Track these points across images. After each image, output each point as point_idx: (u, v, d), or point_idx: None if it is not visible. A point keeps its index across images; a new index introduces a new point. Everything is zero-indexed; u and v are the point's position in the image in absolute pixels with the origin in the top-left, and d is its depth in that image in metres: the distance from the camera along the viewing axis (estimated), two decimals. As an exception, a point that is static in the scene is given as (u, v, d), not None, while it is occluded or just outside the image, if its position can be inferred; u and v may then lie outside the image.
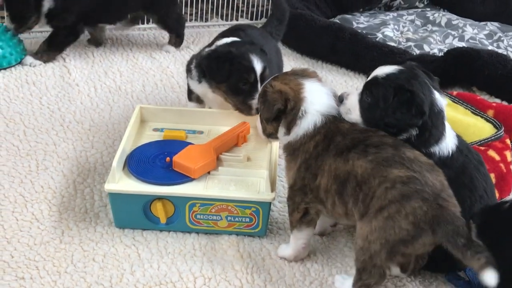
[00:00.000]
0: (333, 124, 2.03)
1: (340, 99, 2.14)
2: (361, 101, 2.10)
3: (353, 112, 2.11)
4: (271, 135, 2.16)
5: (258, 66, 2.40)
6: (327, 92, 2.11)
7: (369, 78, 2.12)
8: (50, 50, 3.27)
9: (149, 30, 3.72)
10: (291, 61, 3.51)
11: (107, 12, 3.32)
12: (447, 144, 2.08)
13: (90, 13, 3.25)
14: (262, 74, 2.40)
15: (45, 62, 3.26)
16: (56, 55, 3.29)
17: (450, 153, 2.07)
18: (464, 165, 2.08)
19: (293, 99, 2.06)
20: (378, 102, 2.05)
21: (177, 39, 3.52)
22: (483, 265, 1.70)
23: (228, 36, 2.60)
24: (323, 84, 2.14)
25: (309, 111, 2.05)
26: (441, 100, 2.08)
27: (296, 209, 2.10)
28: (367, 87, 2.09)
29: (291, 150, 2.08)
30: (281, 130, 2.10)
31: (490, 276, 1.68)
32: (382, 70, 2.09)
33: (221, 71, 2.40)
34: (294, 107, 2.05)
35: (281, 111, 2.07)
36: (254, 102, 2.39)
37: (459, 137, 2.15)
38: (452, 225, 1.78)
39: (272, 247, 2.23)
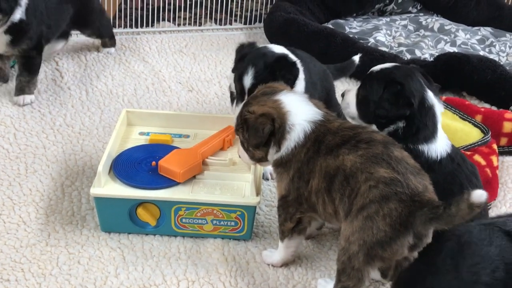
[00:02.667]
0: (322, 127, 2.03)
1: (341, 95, 2.30)
2: (357, 95, 2.23)
3: (350, 106, 2.26)
4: (261, 159, 2.11)
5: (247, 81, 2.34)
6: (304, 100, 2.09)
7: (367, 73, 2.24)
8: (32, 78, 3.01)
9: (143, 34, 3.74)
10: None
11: (56, 27, 3.11)
12: (437, 148, 2.13)
13: (47, 28, 3.01)
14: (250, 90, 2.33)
15: (33, 93, 3.02)
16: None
17: (439, 158, 2.11)
18: (454, 173, 2.12)
19: (278, 117, 2.02)
20: (370, 95, 2.17)
21: (111, 40, 3.50)
22: (467, 199, 1.68)
23: None
24: (296, 93, 2.14)
25: (296, 123, 2.02)
26: (434, 98, 2.15)
27: (289, 219, 2.10)
28: (363, 82, 2.23)
29: (283, 164, 2.06)
30: (272, 150, 2.06)
31: (477, 195, 1.67)
32: (379, 66, 2.23)
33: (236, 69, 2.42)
34: (281, 125, 2.02)
35: (271, 133, 2.03)
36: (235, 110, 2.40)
37: (454, 147, 2.19)
38: (426, 206, 1.79)
39: (257, 251, 2.24)
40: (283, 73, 2.30)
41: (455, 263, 1.62)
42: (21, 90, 2.97)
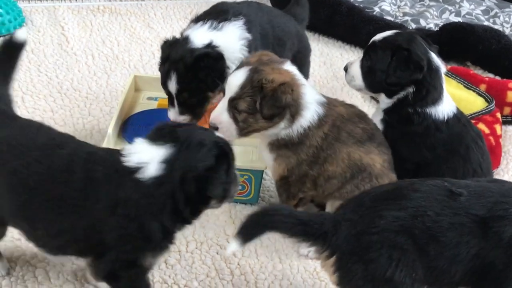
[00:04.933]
0: (331, 110, 2.03)
1: (344, 69, 2.28)
2: (362, 66, 2.23)
3: (356, 79, 2.25)
4: (253, 131, 2.03)
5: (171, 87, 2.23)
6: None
7: (368, 44, 2.23)
8: None
9: (147, 0, 3.73)
10: (288, 33, 3.53)
11: None
12: (443, 109, 2.17)
13: None
14: None
15: None
16: None
17: (446, 119, 2.15)
18: (461, 134, 2.17)
19: (296, 89, 1.97)
20: (377, 64, 2.17)
21: None
22: None
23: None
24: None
25: (310, 100, 2.00)
26: (438, 60, 2.18)
27: (292, 197, 2.13)
28: (367, 52, 2.23)
29: (290, 145, 2.02)
30: (281, 125, 2.00)
31: None
32: (381, 35, 2.23)
33: None
34: (298, 98, 1.98)
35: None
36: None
37: (459, 109, 2.23)
38: None
39: (264, 214, 2.28)
40: (206, 73, 2.17)
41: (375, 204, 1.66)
42: None
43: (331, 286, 2.04)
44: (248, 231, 1.63)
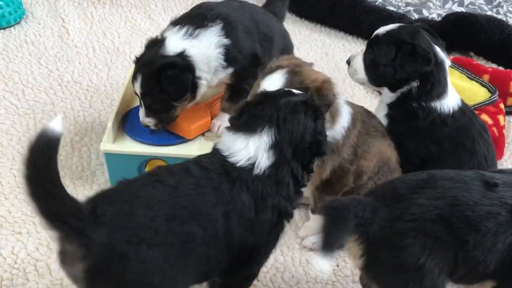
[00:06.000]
0: (354, 107, 2.03)
1: (347, 62, 2.25)
2: (365, 60, 2.20)
3: (359, 72, 2.22)
4: None
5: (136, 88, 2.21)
6: None
7: (371, 37, 2.20)
8: None
9: (149, -9, 3.72)
10: (289, 25, 3.48)
11: None
12: (448, 102, 2.15)
13: None
14: None
15: None
16: None
17: (451, 112, 2.13)
18: (467, 127, 2.15)
19: (334, 87, 1.94)
20: (380, 59, 2.14)
21: None
22: None
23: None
24: None
25: (341, 99, 1.98)
26: (443, 53, 2.16)
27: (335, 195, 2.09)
28: (369, 46, 2.19)
29: (334, 149, 1.97)
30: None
31: None
32: (384, 28, 2.20)
33: None
34: (336, 96, 1.95)
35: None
36: None
37: (464, 102, 2.22)
38: None
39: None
40: (169, 82, 2.14)
41: (413, 189, 1.66)
42: None
43: (333, 278, 2.05)
44: (331, 243, 1.56)
